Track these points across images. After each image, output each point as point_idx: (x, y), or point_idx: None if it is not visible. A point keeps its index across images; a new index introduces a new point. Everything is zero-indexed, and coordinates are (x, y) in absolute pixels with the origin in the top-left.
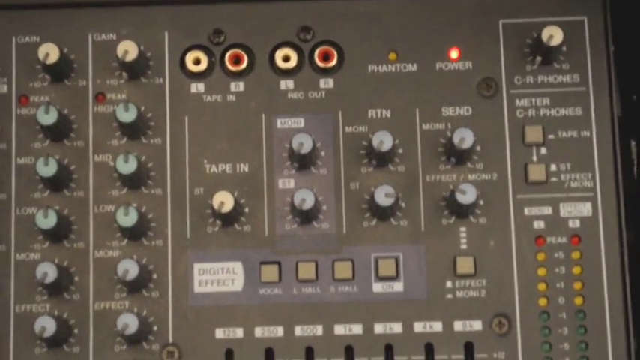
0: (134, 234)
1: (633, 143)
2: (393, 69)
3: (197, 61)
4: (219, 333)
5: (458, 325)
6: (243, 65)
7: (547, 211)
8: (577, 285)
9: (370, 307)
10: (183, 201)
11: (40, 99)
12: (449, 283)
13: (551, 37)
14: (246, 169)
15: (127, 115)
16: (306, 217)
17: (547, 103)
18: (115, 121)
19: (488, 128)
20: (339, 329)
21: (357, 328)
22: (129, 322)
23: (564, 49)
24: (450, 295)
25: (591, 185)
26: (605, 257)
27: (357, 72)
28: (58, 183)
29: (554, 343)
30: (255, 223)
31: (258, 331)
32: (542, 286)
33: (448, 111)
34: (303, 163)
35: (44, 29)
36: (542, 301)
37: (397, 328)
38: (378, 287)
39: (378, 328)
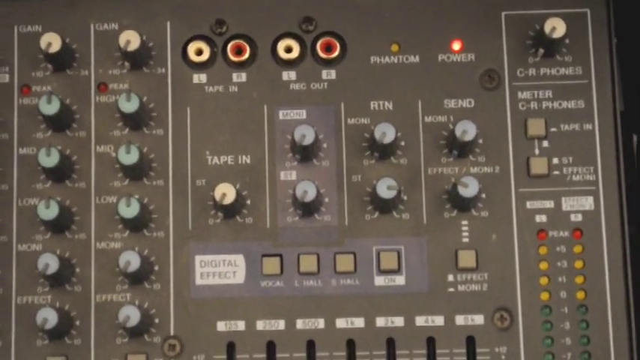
0: (136, 225)
1: (635, 137)
2: (396, 60)
3: (199, 52)
4: (221, 326)
5: (460, 319)
6: (246, 56)
7: (549, 204)
8: (579, 279)
9: (372, 301)
10: (185, 192)
11: (42, 89)
12: (451, 277)
13: (553, 29)
14: (248, 161)
15: (129, 106)
16: (308, 209)
17: (549, 96)
18: (117, 112)
19: (490, 121)
20: (341, 323)
21: (358, 322)
22: (130, 315)
23: (567, 41)
24: (451, 289)
25: (593, 179)
26: (607, 251)
27: (360, 63)
28: (59, 173)
29: (556, 337)
30: (257, 215)
31: (260, 324)
32: (544, 281)
33: (450, 103)
34: (305, 154)
35: (46, 19)
36: (544, 296)
37: (399, 321)
38: (379, 280)
39: (380, 321)
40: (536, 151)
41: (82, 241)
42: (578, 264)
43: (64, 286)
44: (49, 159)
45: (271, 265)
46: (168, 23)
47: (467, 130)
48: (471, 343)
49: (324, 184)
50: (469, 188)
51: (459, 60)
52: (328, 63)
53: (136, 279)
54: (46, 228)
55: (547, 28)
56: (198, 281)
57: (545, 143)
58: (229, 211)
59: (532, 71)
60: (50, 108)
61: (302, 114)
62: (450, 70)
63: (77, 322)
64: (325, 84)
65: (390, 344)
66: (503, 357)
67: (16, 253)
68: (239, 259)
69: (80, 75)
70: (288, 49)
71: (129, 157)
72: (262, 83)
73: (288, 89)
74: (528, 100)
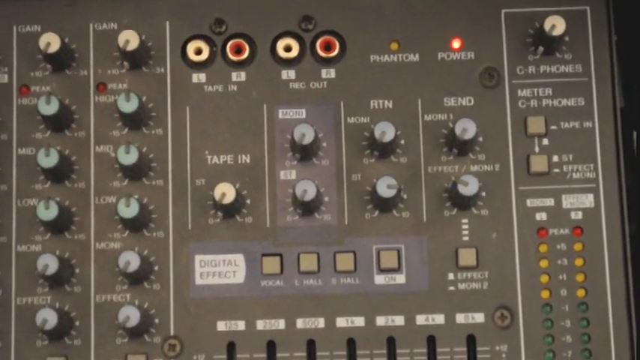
0: (135, 225)
1: (635, 134)
2: (395, 59)
3: (198, 51)
4: (221, 325)
5: (460, 318)
6: (245, 55)
7: (549, 202)
8: (579, 277)
9: (372, 300)
10: (184, 192)
11: (41, 89)
12: (451, 275)
13: (553, 26)
14: (248, 160)
15: (128, 106)
16: (308, 208)
17: (549, 94)
18: (117, 112)
19: (490, 119)
20: (341, 322)
21: (359, 321)
22: (130, 315)
23: (567, 39)
24: (452, 288)
25: (594, 176)
26: (607, 249)
27: (359, 62)
28: (59, 174)
29: (557, 335)
30: (257, 215)
31: (260, 324)
32: (544, 279)
33: (450, 101)
34: (304, 153)
35: (45, 18)
36: (545, 294)
37: (399, 320)
38: (380, 279)
39: (380, 320)
40: (536, 149)
41: (81, 241)
42: (579, 262)
43: (64, 286)
44: (49, 159)
45: (271, 264)
46: (168, 23)
47: (467, 129)
48: (471, 341)
49: (324, 183)
50: (469, 186)
51: (458, 58)
52: (328, 62)
53: (136, 279)
54: (46, 228)
55: (547, 26)
56: (198, 281)
57: (545, 141)
58: (229, 211)
59: (532, 69)
60: (49, 108)
61: (301, 113)
62: (450, 68)
63: (77, 323)
64: (325, 83)
65: (391, 343)
66: (503, 355)
67: (15, 253)
68: (239, 259)
69: (79, 75)
70: (288, 48)
71: (128, 157)
72: (262, 82)
73: (288, 88)
74: (528, 97)
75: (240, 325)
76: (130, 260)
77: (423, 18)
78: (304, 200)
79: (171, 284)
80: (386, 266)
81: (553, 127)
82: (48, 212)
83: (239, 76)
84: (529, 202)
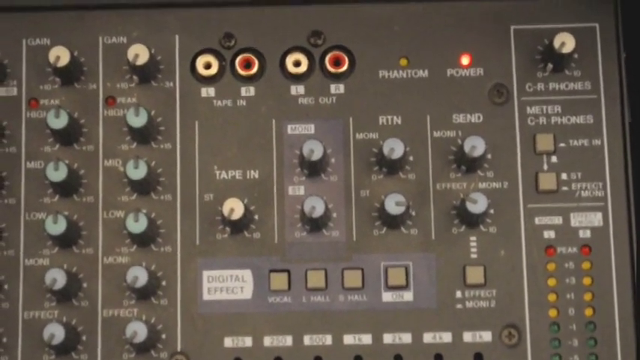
0: (143, 240)
1: None
2: (404, 75)
3: (208, 66)
4: (228, 342)
5: (467, 336)
6: (254, 70)
7: (557, 220)
8: (587, 296)
9: (379, 317)
10: (192, 207)
11: (50, 102)
12: (459, 293)
13: (563, 44)
14: (257, 176)
15: (138, 120)
16: (316, 224)
17: (558, 111)
18: (125, 126)
19: (499, 136)
20: (348, 339)
21: (366, 338)
22: (138, 330)
23: (576, 56)
24: (459, 306)
25: (602, 195)
26: (615, 268)
27: (368, 78)
28: (67, 188)
29: (564, 354)
30: (265, 230)
31: (267, 340)
32: (552, 297)
33: (459, 118)
34: (313, 169)
35: (55, 32)
36: (553, 312)
37: (406, 338)
38: (387, 297)
39: (387, 338)
40: (545, 167)
41: (89, 255)
42: (587, 280)
43: (71, 301)
44: (57, 173)
45: (279, 280)
46: (177, 37)
47: (476, 146)
48: None
49: (333, 199)
50: (478, 204)
51: (467, 75)
52: (337, 77)
53: (144, 294)
54: (54, 242)
55: (556, 43)
56: (206, 296)
57: (554, 158)
58: (237, 226)
59: (541, 86)
60: (58, 122)
61: (310, 128)
62: (459, 84)
63: (84, 338)
64: (334, 98)
65: None
66: None
67: (23, 267)
68: (247, 275)
69: (88, 89)
70: (297, 63)
71: (137, 171)
72: (271, 97)
73: (297, 103)
74: (537, 115)
75: (248, 342)
76: (138, 275)
77: (432, 34)
78: (312, 217)
79: (179, 300)
80: (394, 283)
81: (562, 145)
82: (56, 226)
83: (248, 90)
84: (537, 220)
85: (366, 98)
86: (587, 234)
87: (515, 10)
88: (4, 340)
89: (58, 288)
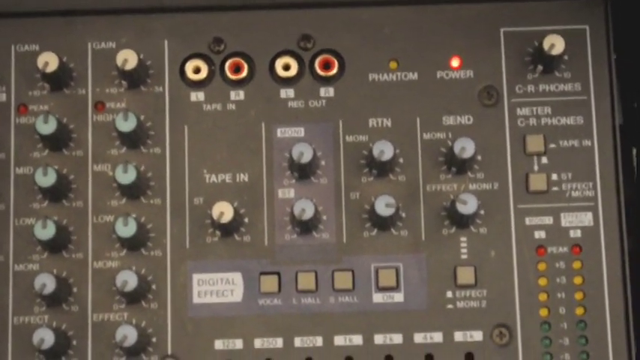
0: (133, 244)
1: (635, 151)
2: (394, 78)
3: (197, 70)
4: (219, 344)
5: (458, 336)
6: (244, 74)
7: (548, 220)
8: (578, 295)
9: (370, 318)
10: (182, 211)
11: (39, 108)
12: (449, 294)
13: (552, 45)
14: (246, 179)
15: (127, 125)
16: (306, 227)
17: (548, 112)
18: (115, 131)
19: (489, 137)
20: (339, 340)
21: (357, 339)
22: (128, 334)
23: (566, 57)
24: (450, 306)
25: (592, 195)
26: (606, 267)
27: (358, 81)
28: (56, 193)
29: (555, 353)
30: (255, 233)
31: (258, 342)
32: (543, 297)
33: (449, 120)
34: (303, 172)
35: (43, 37)
36: (544, 312)
37: (397, 338)
38: (378, 298)
39: (378, 338)
40: (535, 167)
41: (79, 260)
42: (577, 280)
43: (61, 305)
44: (46, 178)
45: (269, 283)
46: (166, 41)
47: (465, 148)
48: (469, 359)
49: (323, 201)
50: (468, 205)
51: (457, 77)
52: (326, 80)
53: (134, 298)
54: (43, 248)
55: (546, 45)
56: (196, 300)
57: (544, 159)
58: (227, 230)
59: (531, 88)
60: (47, 127)
61: (300, 132)
62: (449, 86)
63: (74, 342)
64: (323, 101)
65: None
66: None
67: (12, 273)
68: (237, 277)
69: (77, 94)
70: (287, 67)
71: (126, 176)
72: (260, 101)
73: (287, 107)
74: (527, 116)
75: (238, 344)
76: (128, 280)
77: (422, 37)
78: (302, 219)
79: (169, 303)
80: (384, 284)
81: (552, 146)
82: (45, 231)
83: (237, 94)
84: (528, 221)
85: (356, 101)
86: (578, 234)
87: (505, 12)
88: None
89: (48, 293)
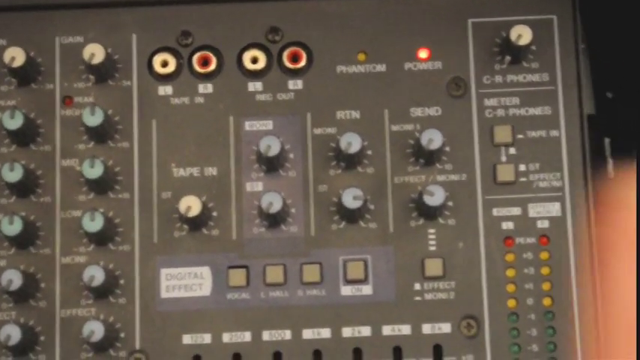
0: (101, 239)
1: (607, 141)
2: (362, 69)
3: (165, 64)
4: (187, 339)
5: (426, 328)
6: (212, 67)
7: (516, 211)
8: (546, 286)
9: (338, 311)
10: (150, 205)
11: (7, 103)
12: (417, 286)
13: (519, 36)
14: (214, 172)
15: (93, 119)
16: (274, 220)
17: (516, 103)
18: (82, 125)
19: (457, 128)
20: (308, 334)
21: (325, 332)
22: (95, 329)
23: (533, 47)
24: (418, 298)
25: (560, 185)
26: (573, 257)
27: (326, 73)
28: (23, 188)
29: (523, 344)
30: (223, 227)
31: (226, 337)
32: (511, 288)
33: (417, 111)
34: (271, 165)
35: (10, 32)
36: (511, 303)
37: (366, 331)
38: (346, 290)
39: (347, 331)
40: (503, 158)
41: (46, 256)
42: (545, 270)
43: (29, 301)
44: (13, 174)
45: (237, 276)
46: (134, 35)
47: (433, 139)
48: (438, 351)
49: (291, 194)
50: (435, 197)
51: (425, 68)
52: (295, 73)
53: (101, 293)
54: (10, 243)
55: (513, 36)
56: (164, 294)
57: (512, 150)
58: (195, 224)
59: (498, 78)
60: (13, 123)
61: (268, 125)
62: (417, 78)
63: (42, 338)
64: (292, 94)
65: (357, 354)
66: None
67: None
68: (205, 272)
69: (45, 89)
70: (254, 60)
71: (93, 171)
72: (228, 94)
73: (255, 100)
74: (495, 107)
75: (207, 339)
76: (95, 275)
77: (390, 28)
78: (270, 212)
79: (137, 298)
80: (352, 277)
81: (520, 137)
82: (12, 227)
83: (206, 88)
84: (495, 212)
85: (324, 93)
86: (546, 224)
87: (472, 3)
88: None
89: (14, 289)
